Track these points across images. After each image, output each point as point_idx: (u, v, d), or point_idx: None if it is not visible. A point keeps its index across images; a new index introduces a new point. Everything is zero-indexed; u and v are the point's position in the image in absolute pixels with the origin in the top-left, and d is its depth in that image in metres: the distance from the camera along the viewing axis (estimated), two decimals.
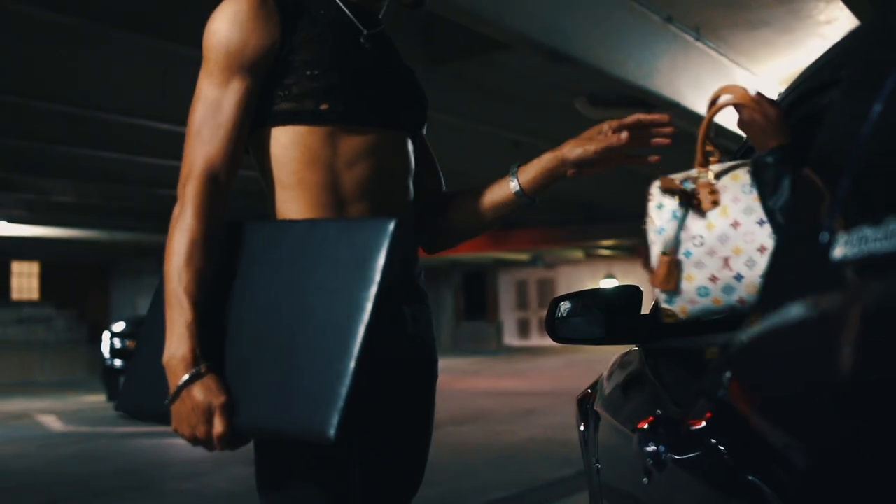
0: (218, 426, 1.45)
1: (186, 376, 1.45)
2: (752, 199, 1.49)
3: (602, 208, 19.86)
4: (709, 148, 1.59)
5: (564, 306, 2.18)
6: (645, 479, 1.45)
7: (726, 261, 1.47)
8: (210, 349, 1.50)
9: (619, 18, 7.70)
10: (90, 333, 22.46)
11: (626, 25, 7.79)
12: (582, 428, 2.87)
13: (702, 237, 1.49)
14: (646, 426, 1.48)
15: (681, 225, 1.51)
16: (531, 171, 1.79)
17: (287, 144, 1.66)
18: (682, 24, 8.54)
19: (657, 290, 1.54)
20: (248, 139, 1.70)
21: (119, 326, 12.30)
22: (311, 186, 1.64)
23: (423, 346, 1.77)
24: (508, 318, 31.11)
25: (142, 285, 22.27)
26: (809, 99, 1.44)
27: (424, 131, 1.94)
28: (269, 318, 1.49)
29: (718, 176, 1.54)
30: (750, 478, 1.02)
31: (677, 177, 1.56)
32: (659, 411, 1.48)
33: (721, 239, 1.48)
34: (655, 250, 1.52)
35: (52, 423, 11.67)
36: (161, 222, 1.81)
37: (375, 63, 1.77)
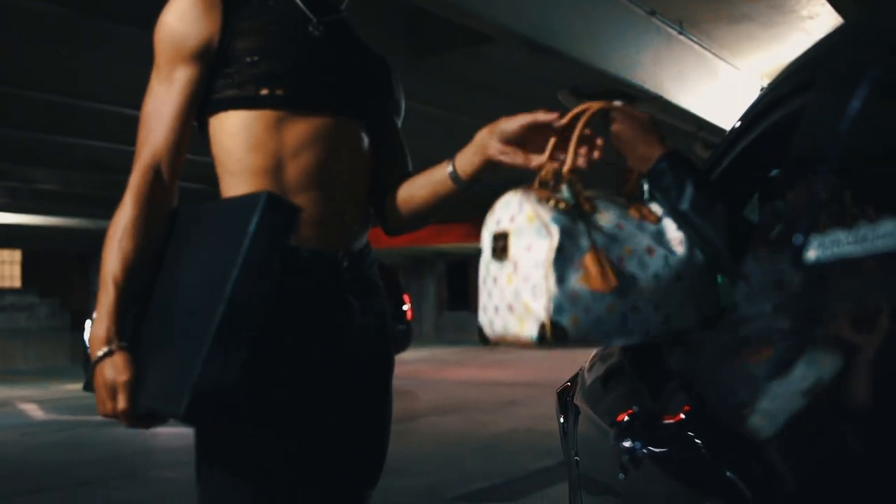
0: (120, 402, 1.51)
1: (99, 353, 1.52)
2: (622, 212, 1.45)
3: None
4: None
5: None
6: (621, 475, 1.47)
7: (620, 260, 1.38)
8: (133, 329, 1.58)
9: (603, 11, 7.72)
10: (73, 321, 22.35)
11: (609, 18, 7.81)
12: (562, 420, 2.90)
13: (594, 235, 1.39)
14: (622, 421, 1.51)
15: (585, 221, 1.40)
16: (466, 151, 1.76)
17: (233, 131, 1.70)
18: (665, 17, 8.56)
19: (544, 300, 1.35)
20: (201, 128, 1.77)
21: None
22: (255, 173, 1.68)
23: (374, 337, 1.79)
24: None
25: None
26: (787, 100, 1.47)
27: (400, 121, 1.96)
28: (172, 298, 1.56)
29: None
30: (723, 473, 1.05)
31: (545, 192, 1.47)
32: (635, 407, 1.51)
33: (611, 239, 1.40)
34: (542, 247, 1.37)
35: (34, 411, 11.63)
36: None
37: (325, 50, 1.79)
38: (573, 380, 2.90)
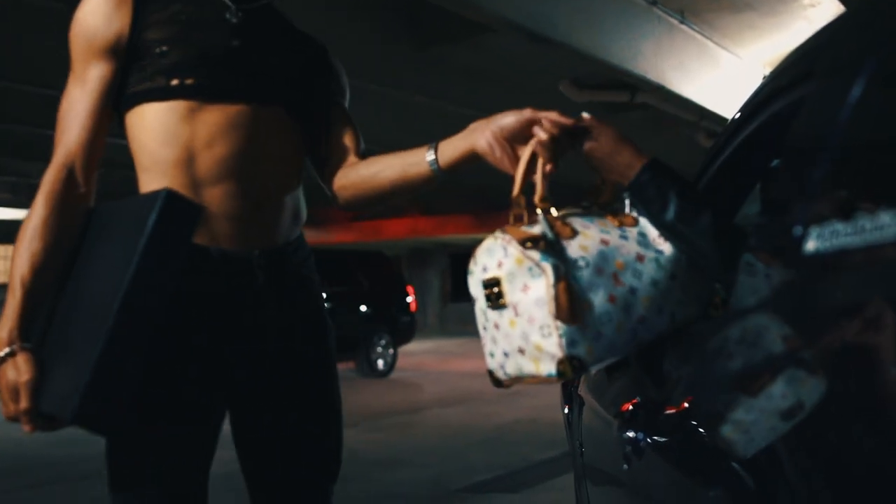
0: (21, 402, 1.51)
1: (1, 354, 1.52)
2: (602, 225, 1.44)
3: (590, 188, 19.87)
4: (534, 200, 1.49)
5: None
6: (625, 465, 1.48)
7: (615, 276, 1.37)
8: (41, 330, 1.56)
9: (603, 2, 7.71)
10: None
11: (610, 9, 7.80)
12: (566, 410, 2.90)
13: (584, 259, 1.37)
14: (625, 412, 1.51)
15: (558, 255, 1.37)
16: (454, 138, 1.68)
17: (147, 125, 1.67)
18: (666, 7, 8.54)
19: (555, 337, 1.34)
20: (120, 124, 1.74)
21: None
22: (167, 167, 1.64)
23: (304, 335, 1.74)
24: None
25: None
26: (788, 89, 1.46)
27: (346, 101, 1.87)
28: (77, 299, 1.53)
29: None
30: (726, 463, 1.05)
31: (521, 227, 1.45)
32: (639, 397, 1.51)
33: (601, 256, 1.38)
34: (539, 286, 1.35)
35: None
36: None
37: (242, 37, 1.72)
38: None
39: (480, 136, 1.60)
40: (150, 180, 1.66)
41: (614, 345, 1.34)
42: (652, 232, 1.43)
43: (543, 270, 1.34)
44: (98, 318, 1.39)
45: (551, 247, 1.36)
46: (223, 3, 1.73)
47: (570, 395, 2.84)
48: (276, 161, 1.71)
